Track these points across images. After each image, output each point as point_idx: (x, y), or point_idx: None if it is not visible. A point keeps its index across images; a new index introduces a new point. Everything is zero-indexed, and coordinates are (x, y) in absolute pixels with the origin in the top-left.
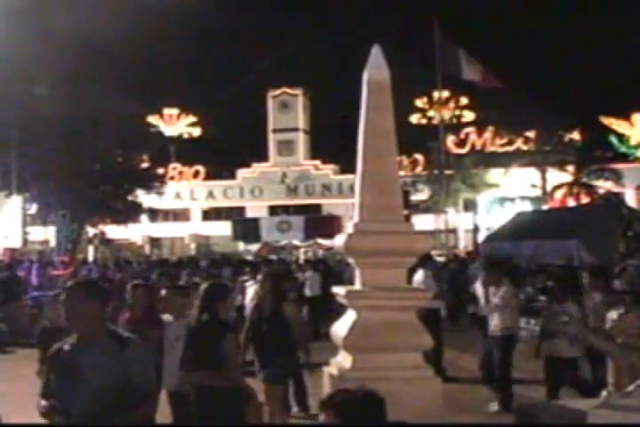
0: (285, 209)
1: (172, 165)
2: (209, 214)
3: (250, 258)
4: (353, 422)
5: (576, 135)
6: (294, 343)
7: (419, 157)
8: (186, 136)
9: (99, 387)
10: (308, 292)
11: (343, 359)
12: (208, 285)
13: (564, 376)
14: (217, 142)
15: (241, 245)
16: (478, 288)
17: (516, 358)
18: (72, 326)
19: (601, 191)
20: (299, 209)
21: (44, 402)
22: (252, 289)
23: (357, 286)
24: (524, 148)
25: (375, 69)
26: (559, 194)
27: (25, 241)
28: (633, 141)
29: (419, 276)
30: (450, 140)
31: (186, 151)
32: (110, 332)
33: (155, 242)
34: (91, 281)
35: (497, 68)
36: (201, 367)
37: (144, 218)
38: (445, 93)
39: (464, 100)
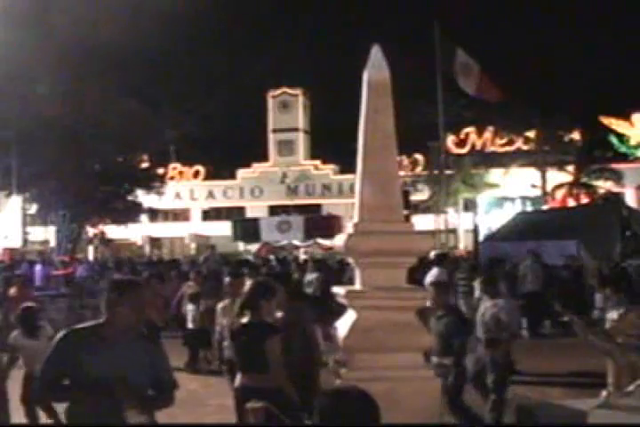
0: (285, 209)
1: (172, 165)
2: (209, 214)
3: (250, 258)
4: (342, 422)
5: (576, 135)
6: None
7: (419, 157)
8: None
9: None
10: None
11: (343, 359)
12: (253, 283)
13: None
14: (217, 142)
15: (241, 245)
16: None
17: (518, 357)
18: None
19: (601, 191)
20: (299, 209)
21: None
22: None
23: (357, 285)
24: (524, 148)
25: (375, 69)
26: (559, 194)
27: (25, 241)
28: (633, 141)
29: (433, 274)
30: (450, 140)
31: (186, 151)
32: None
33: (155, 242)
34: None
35: (497, 69)
36: (245, 370)
37: (144, 218)
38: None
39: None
